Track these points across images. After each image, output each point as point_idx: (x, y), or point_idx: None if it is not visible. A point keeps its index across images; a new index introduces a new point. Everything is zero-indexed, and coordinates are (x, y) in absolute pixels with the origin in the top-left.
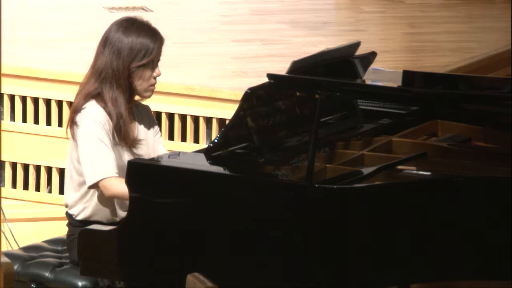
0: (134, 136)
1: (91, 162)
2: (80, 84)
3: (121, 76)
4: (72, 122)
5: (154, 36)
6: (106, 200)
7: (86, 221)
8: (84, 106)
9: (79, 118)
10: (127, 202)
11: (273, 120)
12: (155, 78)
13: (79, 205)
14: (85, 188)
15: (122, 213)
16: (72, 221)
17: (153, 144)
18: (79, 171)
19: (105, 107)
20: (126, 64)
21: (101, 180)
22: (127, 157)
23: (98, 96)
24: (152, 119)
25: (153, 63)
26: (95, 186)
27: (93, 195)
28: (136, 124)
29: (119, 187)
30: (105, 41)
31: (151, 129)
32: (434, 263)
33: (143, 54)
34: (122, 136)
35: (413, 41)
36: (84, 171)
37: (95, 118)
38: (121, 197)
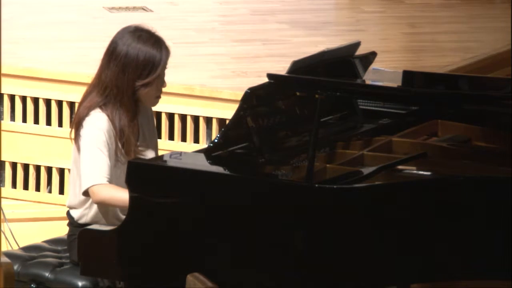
0: (137, 148)
1: (86, 170)
2: (84, 92)
3: (125, 95)
4: (77, 133)
5: (160, 51)
6: (105, 208)
7: (87, 225)
8: (88, 114)
9: (83, 126)
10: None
11: (273, 120)
12: (160, 90)
13: (80, 210)
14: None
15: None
16: (72, 221)
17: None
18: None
19: (109, 115)
20: (130, 82)
21: (89, 187)
22: None
23: (103, 104)
24: (151, 121)
25: (158, 79)
26: (87, 193)
27: (93, 203)
28: (140, 134)
29: (104, 193)
30: (111, 53)
31: (153, 135)
32: (434, 263)
33: (148, 72)
34: (125, 151)
35: (413, 41)
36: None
37: (97, 125)
38: (107, 202)
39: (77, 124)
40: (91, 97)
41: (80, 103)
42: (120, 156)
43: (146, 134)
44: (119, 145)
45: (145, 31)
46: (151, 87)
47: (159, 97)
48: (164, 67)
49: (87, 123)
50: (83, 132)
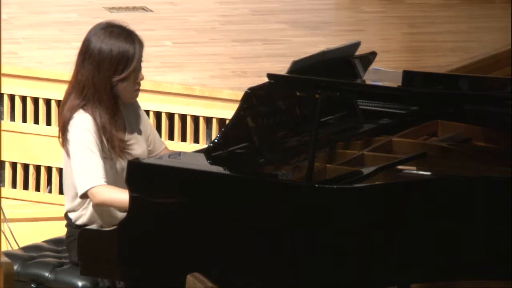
0: (122, 143)
1: (80, 173)
2: (64, 92)
3: (103, 92)
4: (63, 137)
5: (133, 45)
6: (100, 207)
7: (84, 226)
8: (72, 117)
9: (68, 131)
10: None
11: (273, 120)
12: (138, 83)
13: (77, 212)
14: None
15: (121, 218)
16: (70, 223)
17: (149, 141)
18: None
19: (91, 114)
20: (107, 79)
21: (88, 189)
22: (119, 164)
23: (84, 105)
24: (138, 114)
25: (134, 73)
26: (85, 196)
27: (89, 204)
28: (127, 127)
29: (105, 194)
30: (85, 52)
31: (141, 127)
32: (434, 263)
33: (123, 66)
34: (110, 147)
35: (413, 41)
36: (75, 182)
37: (83, 127)
38: (108, 204)
39: (62, 128)
40: (71, 99)
41: (62, 105)
42: (107, 151)
43: (134, 127)
44: (104, 141)
45: (116, 26)
46: (128, 81)
47: (138, 90)
48: (139, 60)
49: (72, 126)
50: (70, 136)
